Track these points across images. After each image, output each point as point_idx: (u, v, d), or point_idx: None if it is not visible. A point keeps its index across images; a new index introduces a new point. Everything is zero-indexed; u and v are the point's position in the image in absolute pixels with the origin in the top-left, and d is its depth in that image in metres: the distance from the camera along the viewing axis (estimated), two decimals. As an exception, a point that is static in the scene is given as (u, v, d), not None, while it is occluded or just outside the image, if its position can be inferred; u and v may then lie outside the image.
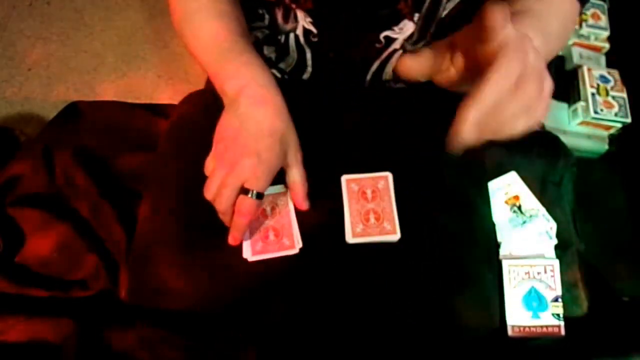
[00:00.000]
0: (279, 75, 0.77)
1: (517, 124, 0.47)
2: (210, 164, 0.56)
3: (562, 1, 0.61)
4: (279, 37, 0.68)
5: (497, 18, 0.45)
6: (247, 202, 0.53)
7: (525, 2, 0.58)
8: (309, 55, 0.69)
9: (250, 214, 0.54)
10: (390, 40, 0.66)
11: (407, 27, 0.64)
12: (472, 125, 0.45)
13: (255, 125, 0.53)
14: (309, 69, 0.72)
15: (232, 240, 0.57)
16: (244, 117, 0.54)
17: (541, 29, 0.55)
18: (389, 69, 0.71)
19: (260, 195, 0.54)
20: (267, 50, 0.72)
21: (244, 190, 0.53)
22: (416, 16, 0.64)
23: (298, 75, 0.74)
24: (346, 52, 0.68)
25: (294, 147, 0.57)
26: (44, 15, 1.66)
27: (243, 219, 0.54)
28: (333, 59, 0.69)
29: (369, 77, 0.72)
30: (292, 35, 0.67)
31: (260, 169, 0.52)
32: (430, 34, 0.67)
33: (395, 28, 0.64)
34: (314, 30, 0.64)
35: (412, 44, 0.67)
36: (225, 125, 0.55)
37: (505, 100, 0.44)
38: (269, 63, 0.73)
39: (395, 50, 0.68)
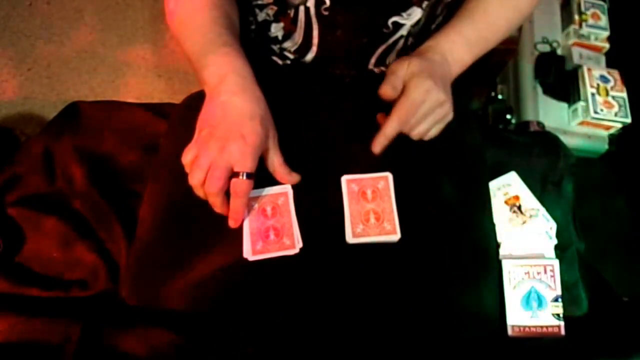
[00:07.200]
0: (280, 62, 0.77)
1: (426, 130, 0.63)
2: (190, 153, 0.56)
3: None
4: (289, 11, 0.69)
5: (397, 69, 0.62)
6: (241, 183, 0.55)
7: None
8: (315, 32, 0.70)
9: (245, 194, 0.56)
10: (398, 26, 0.69)
11: (414, 14, 0.67)
12: (390, 136, 0.61)
13: (237, 111, 0.56)
14: (314, 47, 0.72)
15: (232, 223, 0.58)
16: (225, 104, 0.56)
17: (466, 33, 0.66)
18: (393, 55, 0.73)
19: (250, 176, 0.55)
20: (274, 29, 0.73)
21: (234, 174, 0.55)
22: (425, 3, 0.66)
23: (302, 55, 0.74)
24: (354, 32, 0.70)
25: (272, 132, 0.59)
26: (44, 15, 1.66)
27: (240, 200, 0.56)
28: (339, 38, 0.70)
29: (373, 60, 0.74)
30: (302, 8, 0.67)
31: (248, 151, 0.54)
32: (436, 18, 0.71)
33: (404, 14, 0.67)
34: (327, 1, 0.65)
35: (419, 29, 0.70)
36: (208, 113, 0.57)
37: (413, 117, 0.61)
38: (275, 42, 0.74)
39: (401, 37, 0.70)
